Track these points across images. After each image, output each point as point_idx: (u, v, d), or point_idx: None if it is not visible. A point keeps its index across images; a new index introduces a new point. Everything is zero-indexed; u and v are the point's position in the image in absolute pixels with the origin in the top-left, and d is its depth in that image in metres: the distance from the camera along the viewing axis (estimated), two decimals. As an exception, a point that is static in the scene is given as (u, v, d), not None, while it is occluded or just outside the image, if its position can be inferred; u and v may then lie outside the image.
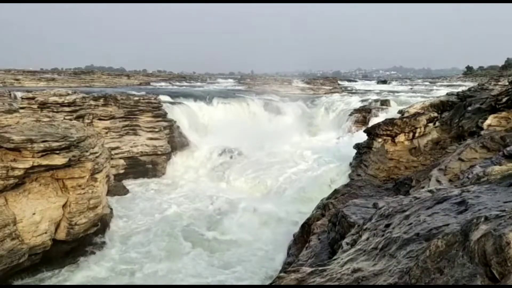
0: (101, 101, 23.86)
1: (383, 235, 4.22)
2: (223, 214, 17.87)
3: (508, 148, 8.06)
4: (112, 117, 23.87)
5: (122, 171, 23.05)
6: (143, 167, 24.24)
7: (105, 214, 15.36)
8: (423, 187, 10.15)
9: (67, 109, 21.25)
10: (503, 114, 14.47)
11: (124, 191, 20.91)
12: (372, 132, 17.87)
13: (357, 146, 18.84)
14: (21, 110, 20.09)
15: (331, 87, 53.68)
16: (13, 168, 12.16)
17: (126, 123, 24.59)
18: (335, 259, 4.37)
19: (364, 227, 5.06)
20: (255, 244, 14.99)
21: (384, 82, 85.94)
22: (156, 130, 25.49)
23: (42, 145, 12.69)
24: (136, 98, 25.75)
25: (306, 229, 12.00)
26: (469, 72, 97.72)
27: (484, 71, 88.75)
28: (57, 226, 13.49)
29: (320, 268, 4.02)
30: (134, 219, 17.27)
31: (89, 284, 12.48)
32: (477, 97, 18.05)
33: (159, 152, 24.79)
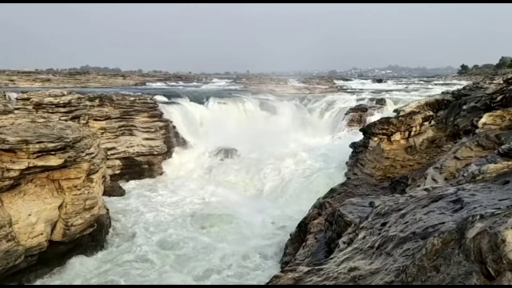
0: (97, 102, 23.77)
1: (379, 234, 4.23)
2: (219, 214, 17.85)
3: (503, 146, 8.10)
4: (108, 118, 23.78)
5: (118, 172, 22.97)
6: (139, 167, 24.18)
7: (101, 215, 15.29)
8: (419, 186, 10.19)
9: (62, 109, 21.16)
10: (498, 112, 14.51)
11: (120, 192, 20.86)
12: (368, 131, 17.91)
13: (353, 145, 18.86)
14: (16, 111, 19.98)
15: (327, 87, 53.77)
16: (8, 169, 12.09)
17: (122, 123, 24.51)
18: (331, 258, 4.38)
19: (361, 226, 5.07)
20: (252, 245, 14.96)
21: (380, 81, 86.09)
22: (152, 130, 25.43)
23: (37, 146, 12.62)
24: (131, 99, 25.68)
25: (302, 228, 12.03)
26: (464, 71, 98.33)
27: (479, 70, 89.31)
28: (53, 227, 13.42)
29: (316, 267, 4.03)
30: (130, 220, 17.22)
31: (86, 284, 12.44)
32: (472, 96, 18.10)
33: (155, 152, 24.74)
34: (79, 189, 13.98)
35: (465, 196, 4.09)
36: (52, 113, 20.39)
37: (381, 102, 32.77)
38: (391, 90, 46.28)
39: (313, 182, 19.96)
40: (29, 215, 12.58)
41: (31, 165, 12.58)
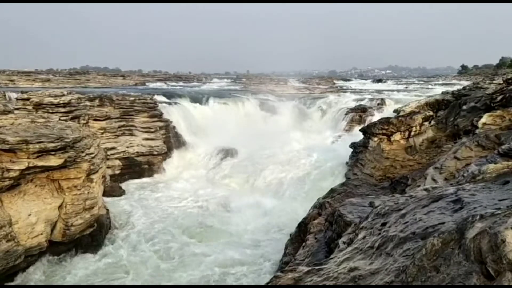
0: (97, 102, 23.78)
1: (379, 234, 4.23)
2: (218, 214, 17.84)
3: (503, 147, 8.11)
4: (108, 118, 23.77)
5: (118, 172, 22.96)
6: (139, 167, 24.16)
7: (101, 215, 15.28)
8: (419, 186, 10.19)
9: (62, 109, 21.16)
10: (498, 112, 14.53)
11: (120, 192, 20.84)
12: (368, 131, 17.91)
13: (353, 145, 18.87)
14: (16, 111, 19.95)
15: (327, 87, 53.79)
16: (8, 169, 12.09)
17: (122, 123, 24.51)
18: (331, 258, 4.38)
19: (361, 226, 5.07)
20: (250, 246, 14.93)
21: (380, 81, 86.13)
22: (152, 130, 25.42)
23: (37, 146, 12.62)
24: (131, 99, 25.67)
25: (302, 228, 12.01)
26: (464, 71, 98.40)
27: (479, 70, 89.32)
28: (53, 227, 13.42)
29: (316, 267, 4.03)
30: (130, 220, 17.18)
31: (86, 284, 12.43)
32: (472, 96, 18.12)
33: (155, 153, 24.73)
34: (79, 189, 13.98)
35: (465, 196, 4.09)
36: (52, 113, 20.38)
37: (381, 102, 32.77)
38: (391, 90, 46.31)
39: (312, 183, 19.95)
40: (29, 215, 12.58)
41: (31, 165, 12.58)
